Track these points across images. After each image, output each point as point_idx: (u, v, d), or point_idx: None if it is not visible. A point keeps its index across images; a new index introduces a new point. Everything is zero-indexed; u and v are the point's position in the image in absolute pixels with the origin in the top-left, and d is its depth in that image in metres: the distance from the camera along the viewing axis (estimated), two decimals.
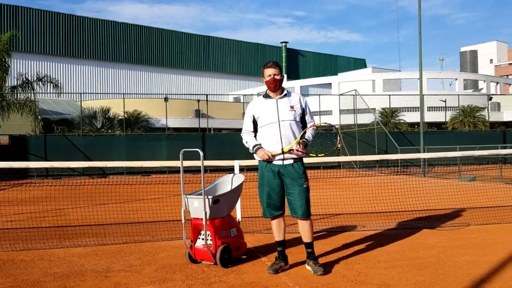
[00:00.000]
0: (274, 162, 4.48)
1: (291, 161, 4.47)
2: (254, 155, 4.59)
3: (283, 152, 4.42)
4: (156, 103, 34.14)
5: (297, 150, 4.40)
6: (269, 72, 4.53)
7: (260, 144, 4.54)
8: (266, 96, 4.63)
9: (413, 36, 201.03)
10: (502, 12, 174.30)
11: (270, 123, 4.49)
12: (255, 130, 4.65)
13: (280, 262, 4.52)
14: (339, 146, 5.18)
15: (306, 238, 4.51)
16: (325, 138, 4.83)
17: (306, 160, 4.92)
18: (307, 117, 4.64)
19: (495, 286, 3.98)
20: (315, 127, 4.61)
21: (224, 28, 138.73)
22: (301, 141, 4.44)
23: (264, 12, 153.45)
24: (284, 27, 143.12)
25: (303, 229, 4.50)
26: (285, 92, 4.60)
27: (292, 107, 4.52)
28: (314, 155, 4.74)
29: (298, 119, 4.55)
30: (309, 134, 4.56)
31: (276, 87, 4.54)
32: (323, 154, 4.90)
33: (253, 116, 4.62)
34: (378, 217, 7.78)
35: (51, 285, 4.19)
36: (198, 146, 21.92)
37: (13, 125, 24.00)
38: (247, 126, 4.67)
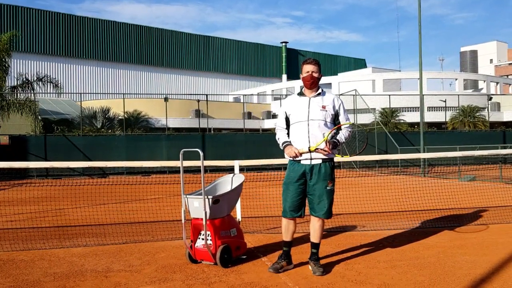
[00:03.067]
0: (302, 162, 4.42)
1: (320, 161, 4.41)
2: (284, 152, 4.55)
3: (310, 151, 4.37)
4: (156, 103, 34.17)
5: (323, 150, 4.34)
6: (308, 68, 4.48)
7: (289, 141, 4.50)
8: (300, 93, 4.60)
9: (412, 36, 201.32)
10: (500, 12, 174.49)
11: (300, 121, 4.45)
12: (288, 127, 4.61)
13: (282, 261, 4.50)
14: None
15: (315, 239, 4.50)
16: (352, 140, 4.75)
17: None
18: (341, 118, 4.54)
19: (495, 286, 3.98)
20: (349, 129, 4.52)
21: (223, 28, 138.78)
22: (330, 140, 4.36)
23: (263, 12, 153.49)
24: (283, 27, 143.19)
25: (315, 228, 4.48)
26: (319, 91, 4.54)
27: (324, 107, 4.45)
28: (340, 156, 4.60)
29: (329, 120, 4.47)
30: (341, 135, 4.45)
31: (312, 85, 4.48)
32: (348, 156, 4.77)
33: (286, 112, 4.59)
34: (378, 217, 7.78)
35: (51, 285, 4.19)
36: (198, 146, 21.94)
37: (13, 125, 24.01)
38: (280, 122, 4.64)
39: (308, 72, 4.47)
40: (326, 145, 4.34)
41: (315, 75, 4.48)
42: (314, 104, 4.46)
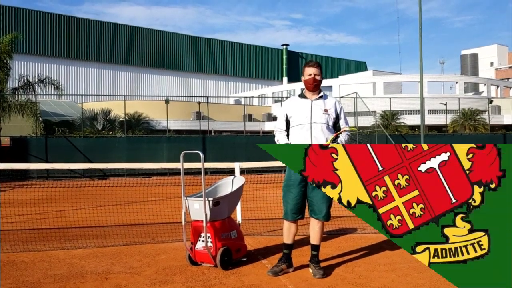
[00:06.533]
0: None
1: None
2: None
3: None
4: (157, 105, 34.17)
5: None
6: (310, 71, 4.48)
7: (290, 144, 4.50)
8: (301, 95, 4.58)
9: (411, 39, 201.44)
10: (499, 15, 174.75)
11: (301, 123, 4.43)
12: (288, 129, 4.59)
13: (282, 264, 4.50)
14: None
15: (315, 240, 4.50)
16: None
17: None
18: (341, 122, 4.54)
19: None
20: (348, 133, 4.53)
21: (222, 30, 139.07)
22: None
23: (262, 15, 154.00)
24: (282, 29, 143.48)
25: (315, 230, 4.47)
26: (321, 94, 4.54)
27: (326, 110, 4.45)
28: None
29: (331, 123, 4.47)
30: (341, 138, 4.46)
31: (314, 87, 4.48)
32: None
33: (286, 114, 4.57)
34: None
35: (51, 287, 4.19)
36: (199, 148, 21.95)
37: (14, 126, 24.02)
38: (280, 124, 4.63)
39: (310, 75, 4.47)
40: None
41: (318, 77, 4.48)
42: (317, 107, 4.46)
